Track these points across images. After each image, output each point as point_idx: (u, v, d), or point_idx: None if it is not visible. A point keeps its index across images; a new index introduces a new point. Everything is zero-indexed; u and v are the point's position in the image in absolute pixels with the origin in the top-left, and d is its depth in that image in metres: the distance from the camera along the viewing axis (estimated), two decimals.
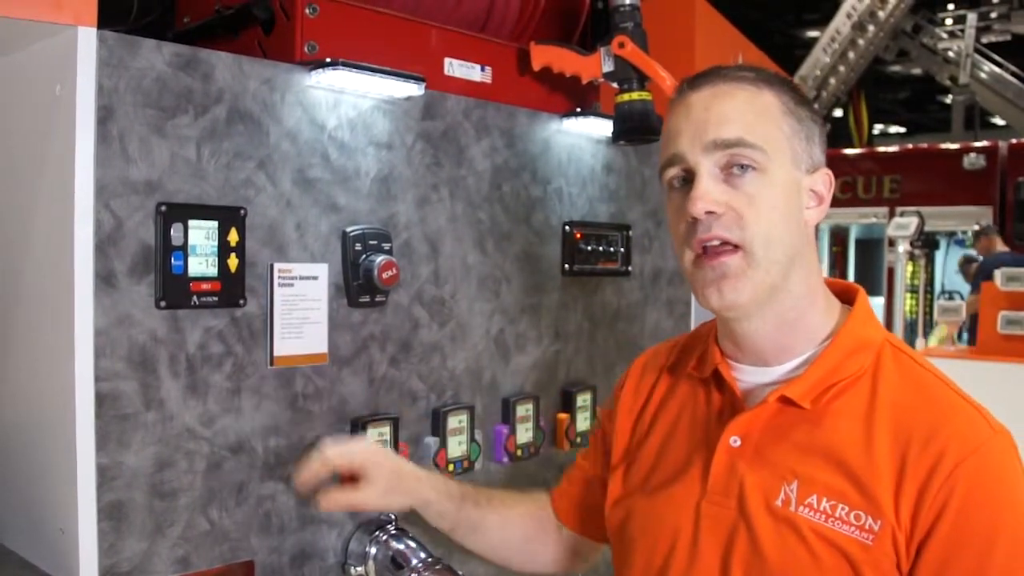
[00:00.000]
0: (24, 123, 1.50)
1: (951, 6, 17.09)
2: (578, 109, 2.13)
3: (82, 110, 1.36)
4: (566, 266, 2.13)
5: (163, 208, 1.44)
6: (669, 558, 1.35)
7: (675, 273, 2.38)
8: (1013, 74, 16.41)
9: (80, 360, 1.37)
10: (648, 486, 1.43)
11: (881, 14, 16.38)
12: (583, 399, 2.18)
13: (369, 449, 1.61)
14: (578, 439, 2.16)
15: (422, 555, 1.69)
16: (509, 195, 2.00)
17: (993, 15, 15.72)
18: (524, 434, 2.03)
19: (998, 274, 7.25)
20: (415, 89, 1.74)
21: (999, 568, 1.17)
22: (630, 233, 2.28)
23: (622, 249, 2.25)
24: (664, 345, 1.60)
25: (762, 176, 1.28)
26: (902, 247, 7.62)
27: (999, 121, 18.41)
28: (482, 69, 2.00)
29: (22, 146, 1.51)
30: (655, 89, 1.97)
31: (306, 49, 1.68)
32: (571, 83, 2.10)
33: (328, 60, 1.61)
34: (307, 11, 1.68)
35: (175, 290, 1.46)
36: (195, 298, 1.49)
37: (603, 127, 2.11)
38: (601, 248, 2.19)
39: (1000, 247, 10.17)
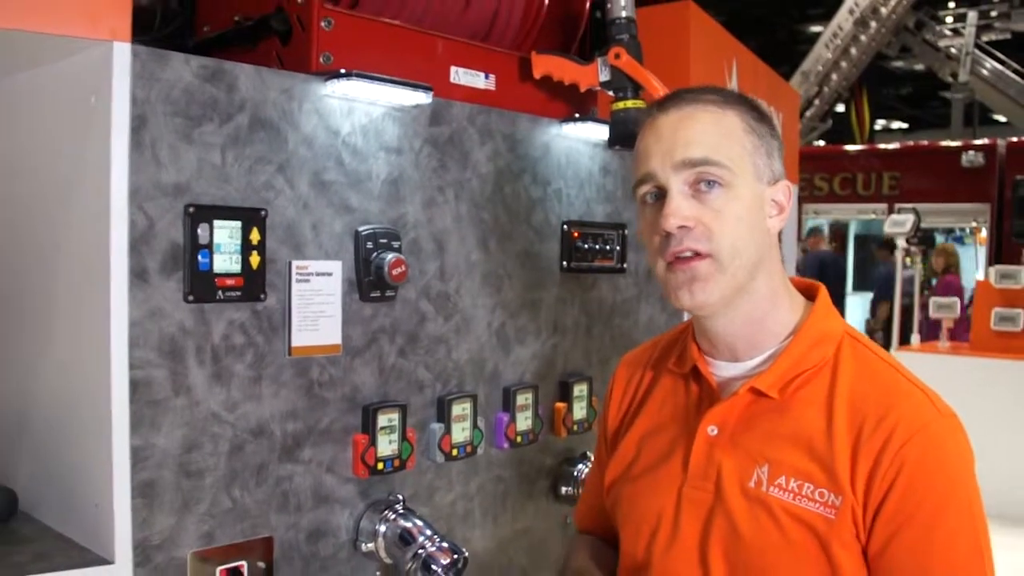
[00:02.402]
0: (59, 130, 1.61)
1: (952, 4, 17.14)
2: (576, 115, 2.25)
3: (117, 119, 1.48)
4: (564, 263, 2.24)
5: (191, 209, 1.56)
6: (653, 538, 1.47)
7: None
8: (1015, 71, 16.48)
9: (116, 350, 1.49)
10: (632, 472, 1.55)
11: (883, 10, 16.44)
12: (579, 389, 2.29)
13: None
14: (574, 427, 2.27)
15: (428, 532, 1.81)
16: (511, 196, 2.11)
17: (994, 13, 15.79)
18: (524, 422, 2.15)
19: (992, 272, 7.36)
20: (423, 97, 1.85)
21: (943, 537, 1.30)
22: (625, 232, 2.39)
23: (617, 247, 2.37)
24: (645, 345, 1.73)
25: (727, 191, 1.39)
26: (900, 243, 7.71)
27: (1000, 118, 18.46)
28: (486, 77, 2.12)
29: (57, 151, 1.62)
30: (648, 98, 2.09)
31: (321, 60, 1.79)
32: (570, 90, 2.21)
33: (343, 71, 1.73)
34: (323, 24, 1.80)
35: (201, 285, 1.58)
36: (220, 293, 1.61)
37: (600, 132, 2.23)
38: (597, 246, 2.31)
39: (824, 246, 10.72)
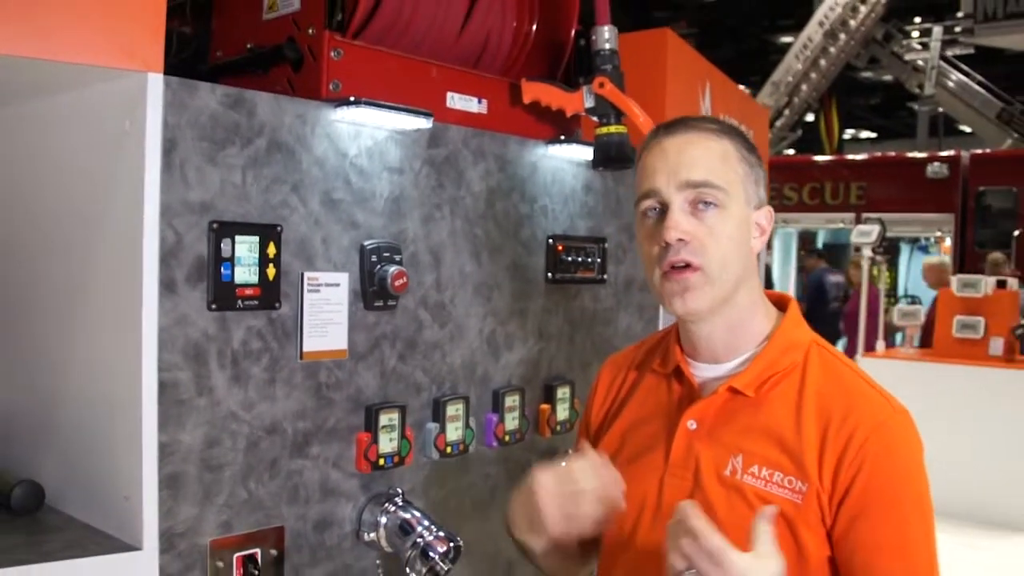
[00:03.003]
0: (95, 151, 1.75)
1: (918, 19, 17.43)
2: (562, 136, 2.42)
3: (150, 143, 1.62)
4: (549, 275, 2.40)
5: (215, 225, 1.71)
6: (637, 522, 1.62)
7: (645, 281, 2.65)
8: (979, 83, 16.76)
9: (146, 353, 1.63)
10: (617, 462, 1.70)
11: (852, 22, 16.68)
12: (563, 392, 2.45)
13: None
14: (558, 427, 2.43)
15: (425, 523, 1.96)
16: (501, 213, 2.27)
17: (958, 29, 16.07)
18: (511, 422, 2.31)
19: (954, 280, 7.58)
20: (424, 123, 2.01)
21: (897, 520, 1.47)
22: (606, 246, 2.56)
23: (599, 260, 2.53)
24: (630, 348, 1.88)
25: (722, 212, 1.55)
26: (866, 252, 7.91)
27: (966, 128, 18.76)
28: (479, 101, 2.28)
29: (92, 170, 1.76)
30: (629, 123, 2.25)
31: (331, 87, 1.94)
32: (556, 114, 2.37)
33: (352, 99, 1.88)
34: (332, 54, 1.95)
35: (223, 295, 1.73)
36: (239, 302, 1.75)
37: (583, 152, 2.39)
38: (580, 259, 2.47)
39: (823, 265, 11.14)
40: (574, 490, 1.53)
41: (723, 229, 1.54)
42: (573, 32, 2.45)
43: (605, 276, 2.57)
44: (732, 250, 1.55)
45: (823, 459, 1.49)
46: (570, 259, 2.44)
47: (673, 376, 1.69)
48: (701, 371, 1.65)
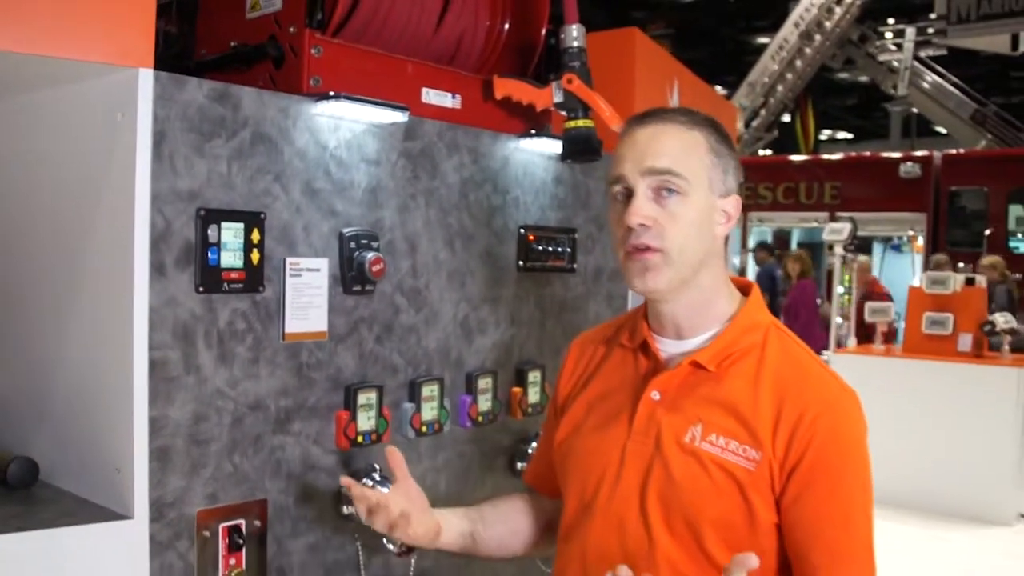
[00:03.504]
0: (88, 142, 1.84)
1: (891, 20, 17.62)
2: (532, 131, 2.53)
3: (141, 135, 1.72)
4: (521, 263, 2.52)
5: (202, 212, 1.81)
6: (599, 484, 1.73)
7: (614, 271, 2.77)
8: (955, 84, 16.97)
9: (137, 333, 1.73)
10: (583, 430, 1.81)
11: (828, 24, 16.88)
12: (534, 376, 2.56)
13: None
14: (529, 409, 2.54)
15: None
16: (474, 203, 2.38)
17: (931, 30, 16.27)
18: (485, 403, 2.41)
19: (924, 277, 7.73)
20: (400, 116, 2.12)
21: (843, 491, 1.59)
22: (576, 236, 2.67)
23: (568, 250, 2.64)
24: (601, 325, 2.00)
25: (684, 199, 1.66)
26: (837, 250, 8.06)
27: (940, 129, 18.97)
28: (453, 97, 2.38)
29: (85, 160, 1.85)
30: (596, 118, 2.36)
31: (311, 82, 2.05)
32: (527, 109, 2.48)
33: (332, 93, 1.99)
34: (312, 51, 2.05)
35: (210, 278, 1.83)
36: (225, 285, 1.85)
37: (554, 146, 2.50)
38: (551, 248, 2.58)
39: (771, 260, 11.41)
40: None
41: (684, 215, 1.65)
42: (544, 31, 2.56)
43: (575, 266, 2.69)
44: (692, 235, 1.66)
45: (777, 431, 1.60)
46: (541, 248, 2.55)
47: (640, 350, 1.80)
48: (666, 346, 1.76)
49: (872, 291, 9.48)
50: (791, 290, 10.72)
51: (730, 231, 1.75)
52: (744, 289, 1.81)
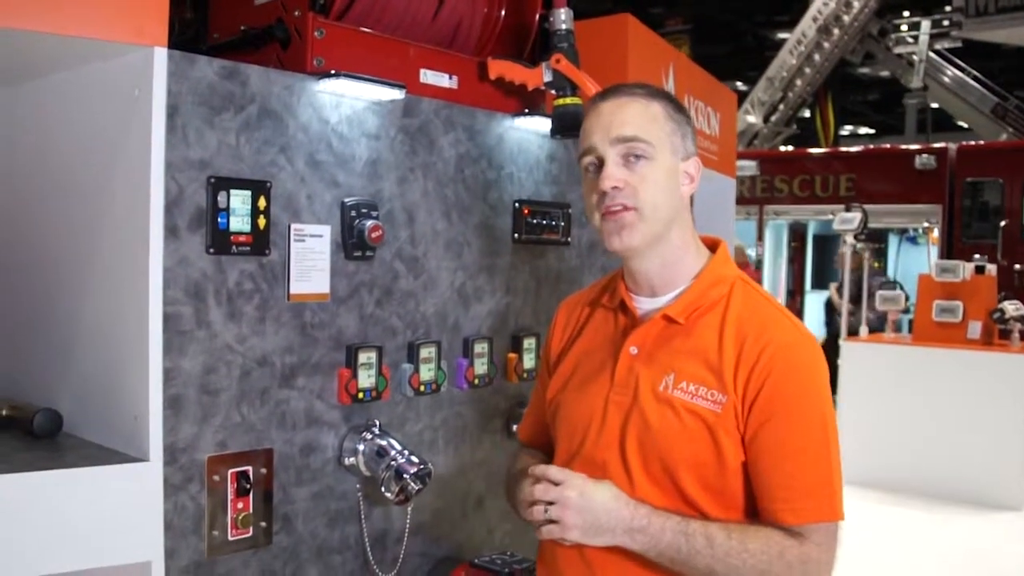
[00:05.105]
0: (107, 115, 2.00)
1: (907, 13, 17.60)
2: (526, 110, 2.68)
3: (156, 108, 1.87)
4: (516, 235, 2.66)
5: (212, 180, 1.96)
6: (585, 434, 1.87)
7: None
8: (975, 78, 16.92)
9: (152, 290, 1.89)
10: (571, 385, 1.96)
11: (846, 18, 16.86)
12: (529, 342, 2.71)
13: None
14: (525, 374, 2.68)
15: (398, 447, 2.22)
16: (470, 177, 2.53)
17: (945, 22, 16.26)
18: (481, 367, 2.56)
19: (934, 266, 7.81)
20: (398, 94, 2.27)
21: (799, 425, 1.73)
22: (570, 211, 2.81)
23: (563, 223, 2.79)
24: (583, 290, 2.14)
25: (650, 162, 1.81)
26: (848, 239, 8.13)
27: (958, 123, 18.90)
28: (450, 78, 2.53)
29: (105, 132, 2.01)
30: (584, 96, 2.51)
31: (315, 62, 2.20)
32: (520, 89, 2.63)
33: (333, 72, 2.14)
34: (316, 34, 2.20)
35: (220, 241, 1.98)
36: (234, 247, 2.01)
37: (547, 124, 2.65)
38: (545, 222, 2.72)
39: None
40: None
41: (652, 176, 1.80)
42: (537, 16, 2.71)
43: (569, 239, 2.83)
44: (661, 194, 1.81)
45: (738, 372, 1.74)
46: (535, 222, 2.69)
47: (619, 309, 1.94)
48: (642, 303, 1.90)
49: None
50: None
51: (693, 191, 1.89)
52: (712, 246, 1.95)
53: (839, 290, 10.64)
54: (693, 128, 1.92)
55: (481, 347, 2.56)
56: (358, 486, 2.29)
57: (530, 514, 1.79)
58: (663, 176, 1.82)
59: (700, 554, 1.69)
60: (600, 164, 1.82)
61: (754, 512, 1.76)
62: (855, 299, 8.90)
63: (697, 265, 1.89)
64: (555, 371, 2.03)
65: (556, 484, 1.75)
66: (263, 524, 2.10)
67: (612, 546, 1.74)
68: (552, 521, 1.75)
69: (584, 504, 1.73)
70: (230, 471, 2.04)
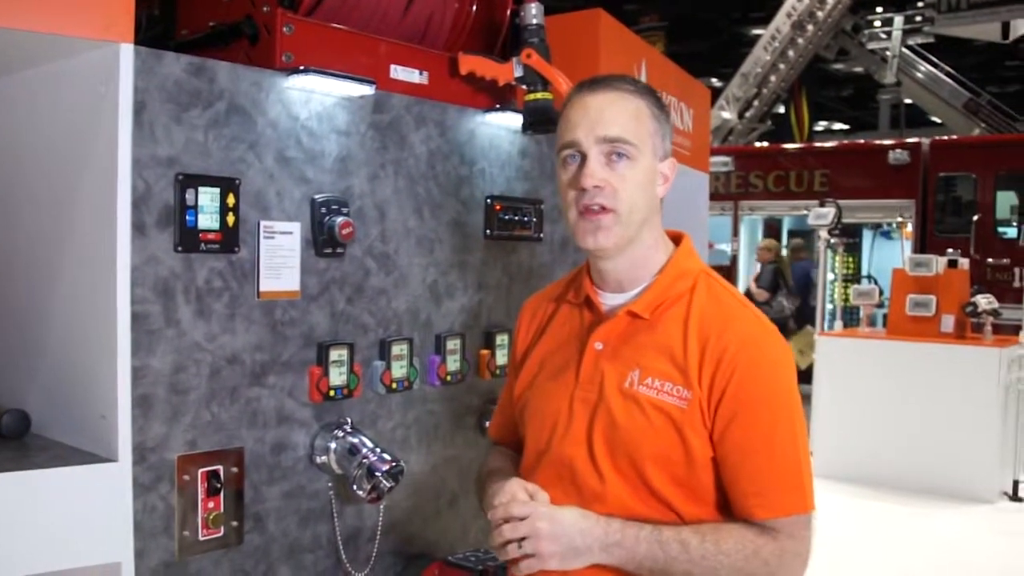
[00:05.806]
0: (74, 112, 1.98)
1: (880, 9, 17.69)
2: (497, 105, 2.67)
3: (123, 105, 1.86)
4: (488, 231, 2.65)
5: (180, 177, 1.95)
6: (553, 431, 1.87)
7: None
8: (947, 74, 17.04)
9: (120, 288, 1.87)
10: (537, 383, 1.95)
11: (820, 14, 16.91)
12: (501, 339, 2.71)
13: None
14: (497, 371, 2.68)
15: (370, 444, 2.21)
16: (442, 174, 2.52)
17: (918, 18, 16.36)
18: (453, 363, 2.55)
19: (907, 260, 7.84)
20: (367, 89, 2.26)
21: (766, 421, 1.73)
22: (542, 207, 2.81)
23: (535, 219, 2.78)
24: (548, 286, 2.13)
25: (632, 163, 1.80)
26: (822, 235, 8.16)
27: (931, 118, 19.03)
28: (420, 73, 2.52)
29: (72, 129, 1.99)
30: (555, 91, 2.50)
31: (284, 58, 2.18)
32: (491, 85, 2.62)
33: (302, 67, 2.13)
34: (285, 29, 2.19)
35: (188, 239, 1.97)
36: (203, 245, 1.99)
37: (518, 120, 2.64)
38: (517, 218, 2.72)
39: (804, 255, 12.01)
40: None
41: (633, 178, 1.79)
42: (509, 12, 2.70)
43: (541, 235, 2.82)
44: (639, 196, 1.80)
45: (703, 369, 1.74)
46: (507, 218, 2.69)
47: (584, 305, 1.93)
48: (608, 299, 1.90)
49: None
50: None
51: (667, 192, 1.88)
52: (676, 240, 1.94)
53: (756, 280, 11.01)
54: (671, 127, 1.91)
55: (453, 344, 2.55)
56: (330, 484, 2.28)
57: (505, 554, 1.74)
58: (643, 177, 1.81)
59: (677, 560, 1.68)
60: (581, 159, 1.81)
61: (725, 505, 1.76)
62: (772, 289, 9.56)
63: (662, 260, 1.88)
64: (521, 368, 2.02)
65: (522, 519, 1.72)
66: (234, 523, 2.08)
67: (592, 566, 1.73)
68: (529, 555, 1.72)
69: (557, 530, 1.70)
70: (200, 470, 2.02)
